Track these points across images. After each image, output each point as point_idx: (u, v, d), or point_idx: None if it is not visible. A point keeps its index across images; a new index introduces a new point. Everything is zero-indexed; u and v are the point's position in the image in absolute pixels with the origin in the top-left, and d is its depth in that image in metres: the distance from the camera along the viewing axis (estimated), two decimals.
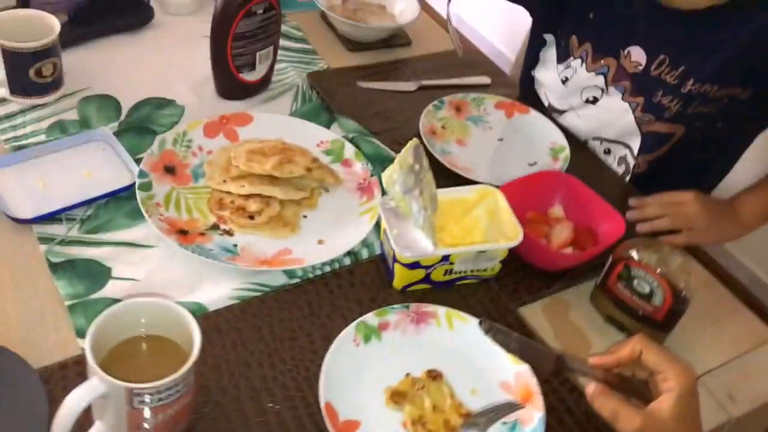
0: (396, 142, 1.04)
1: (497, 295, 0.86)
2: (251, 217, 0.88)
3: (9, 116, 0.98)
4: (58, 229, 0.84)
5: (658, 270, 0.81)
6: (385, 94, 1.16)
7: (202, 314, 0.78)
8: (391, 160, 0.86)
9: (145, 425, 0.62)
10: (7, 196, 0.85)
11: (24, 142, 0.94)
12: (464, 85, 1.21)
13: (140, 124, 1.00)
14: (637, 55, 1.05)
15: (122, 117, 1.01)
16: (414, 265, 0.82)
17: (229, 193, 0.90)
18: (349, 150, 0.99)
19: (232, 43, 1.02)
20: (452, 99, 1.14)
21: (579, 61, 1.12)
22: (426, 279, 0.84)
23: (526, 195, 0.94)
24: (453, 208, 0.86)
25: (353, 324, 0.77)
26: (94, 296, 0.77)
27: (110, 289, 0.78)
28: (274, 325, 0.78)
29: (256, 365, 0.74)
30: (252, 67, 1.06)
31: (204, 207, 0.89)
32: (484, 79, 1.23)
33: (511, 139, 1.12)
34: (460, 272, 0.85)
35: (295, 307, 0.81)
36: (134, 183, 0.87)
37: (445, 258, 0.82)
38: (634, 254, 0.82)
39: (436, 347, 0.79)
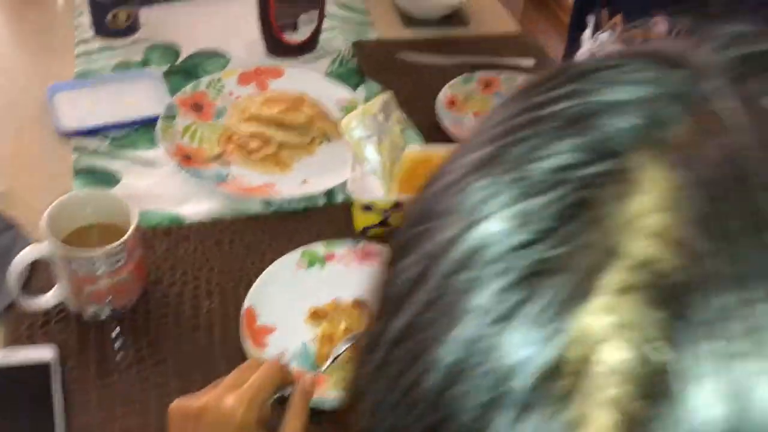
0: (416, 110, 1.11)
1: None
2: (250, 154, 0.99)
3: (88, 52, 1.16)
4: (91, 144, 1.00)
5: None
6: (424, 69, 1.22)
7: (177, 225, 0.90)
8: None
9: (87, 288, 0.75)
10: (60, 112, 1.02)
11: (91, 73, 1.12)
12: (506, 65, 1.24)
13: (189, 70, 1.15)
14: (663, 25, 1.03)
15: (176, 62, 1.16)
16: (368, 208, 0.88)
17: (238, 132, 1.02)
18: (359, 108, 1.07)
19: (275, 4, 1.13)
20: (484, 75, 1.18)
21: (606, 34, 1.11)
22: (384, 224, 0.90)
23: None
24: (419, 162, 0.92)
25: (300, 249, 0.86)
26: None
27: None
28: (236, 242, 0.89)
29: (206, 272, 0.85)
30: (294, 28, 1.17)
31: (214, 140, 1.02)
32: (527, 61, 1.26)
33: None
34: None
35: (261, 233, 0.91)
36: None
37: (398, 205, 0.88)
38: None
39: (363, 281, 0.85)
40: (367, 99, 1.10)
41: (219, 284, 0.84)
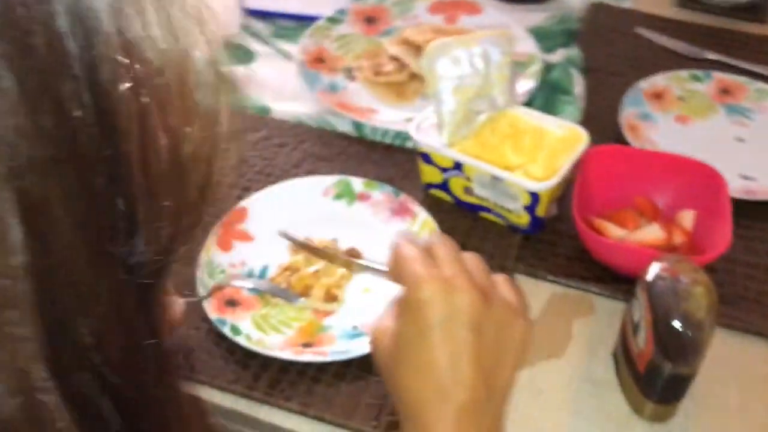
0: (602, 84, 0.89)
1: (511, 251, 0.70)
2: (377, 75, 0.89)
3: None
4: (258, 25, 1.00)
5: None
6: (652, 50, 0.96)
7: (260, 114, 0.85)
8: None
9: None
10: None
11: None
12: (758, 73, 0.91)
13: None
14: None
15: None
16: (427, 159, 0.73)
17: (383, 50, 0.92)
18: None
19: None
20: (725, 78, 0.89)
21: None
22: (445, 187, 0.74)
23: (649, 175, 0.71)
24: (525, 131, 0.72)
25: (337, 177, 0.75)
26: None
27: None
28: (298, 150, 0.81)
29: (257, 166, 0.79)
30: None
31: (359, 54, 0.94)
32: None
33: (757, 146, 0.82)
34: (481, 198, 0.72)
35: (328, 150, 0.81)
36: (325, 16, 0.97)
37: (458, 167, 0.70)
38: (652, 268, 0.57)
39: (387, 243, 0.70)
40: (559, 68, 0.90)
41: (251, 179, 0.78)
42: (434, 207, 0.74)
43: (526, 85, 0.86)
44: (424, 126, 0.73)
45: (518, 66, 0.90)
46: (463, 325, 0.45)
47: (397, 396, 0.46)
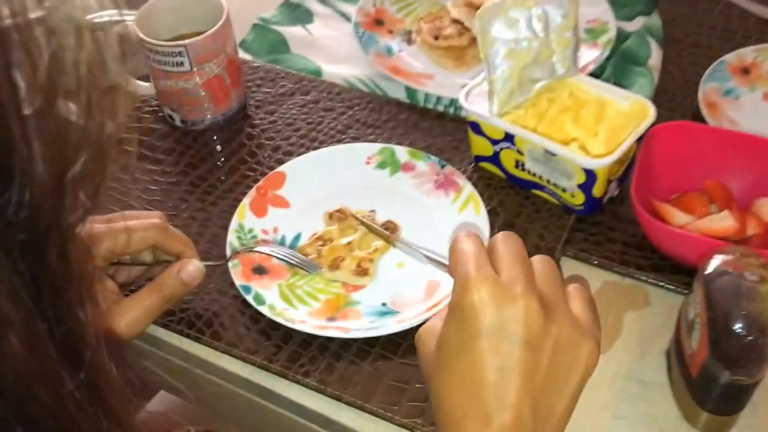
0: (682, 56, 0.81)
1: (562, 233, 0.65)
2: (437, 39, 0.84)
3: None
4: None
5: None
6: (743, 19, 0.87)
7: (313, 76, 0.82)
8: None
9: (174, 83, 0.73)
10: None
11: None
12: None
13: None
14: None
15: None
16: (476, 129, 0.68)
17: (445, 12, 0.87)
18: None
19: None
20: None
21: None
22: (496, 161, 0.68)
23: (724, 157, 0.64)
24: (586, 102, 0.66)
25: (381, 145, 0.71)
26: None
27: None
28: (347, 116, 0.77)
29: (306, 125, 0.76)
30: None
31: (421, 16, 0.89)
32: None
33: None
34: (534, 174, 0.66)
35: (377, 115, 0.77)
36: None
37: (509, 139, 0.65)
38: (714, 260, 0.51)
39: (428, 217, 0.66)
40: (635, 36, 0.83)
41: (305, 144, 0.74)
42: (483, 182, 0.69)
43: (595, 53, 0.79)
44: (475, 93, 0.68)
45: (589, 33, 0.83)
46: (515, 338, 0.40)
47: (436, 404, 0.42)
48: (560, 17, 0.65)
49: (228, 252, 0.63)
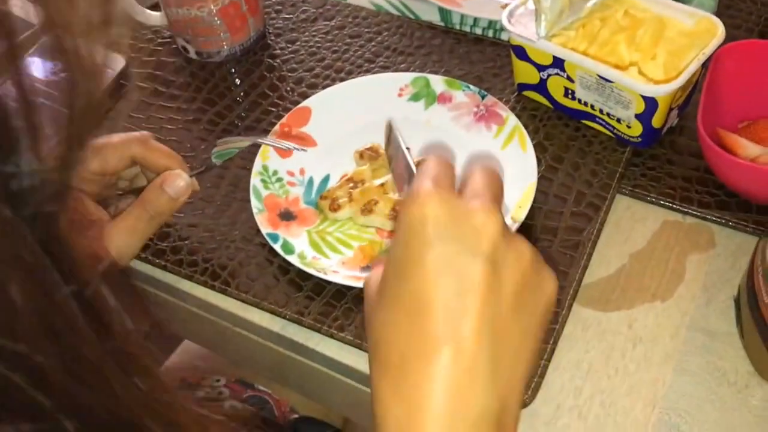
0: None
1: (617, 168, 0.59)
2: None
3: None
4: None
5: None
6: None
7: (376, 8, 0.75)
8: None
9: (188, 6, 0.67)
10: None
11: None
12: None
13: None
14: None
15: None
16: (521, 54, 0.61)
17: None
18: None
19: None
20: None
21: None
22: (543, 89, 0.62)
23: None
24: (643, 21, 0.59)
25: (414, 74, 0.65)
26: None
27: None
28: (375, 42, 0.71)
29: (331, 54, 0.70)
30: None
31: None
32: None
33: None
34: (585, 103, 0.60)
35: (408, 40, 0.70)
36: None
37: (558, 64, 0.58)
38: None
39: (468, 154, 0.61)
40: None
41: (330, 75, 0.68)
42: (527, 113, 0.63)
43: None
44: (519, 14, 0.61)
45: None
46: (477, 252, 0.31)
47: (372, 349, 0.33)
48: None
49: (253, 199, 0.58)
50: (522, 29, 0.59)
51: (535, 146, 0.59)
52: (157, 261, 0.57)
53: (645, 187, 0.58)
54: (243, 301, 0.55)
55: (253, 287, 0.55)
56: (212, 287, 0.56)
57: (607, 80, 0.56)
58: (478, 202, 0.33)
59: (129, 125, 0.66)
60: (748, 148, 0.56)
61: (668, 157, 0.59)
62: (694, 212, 0.56)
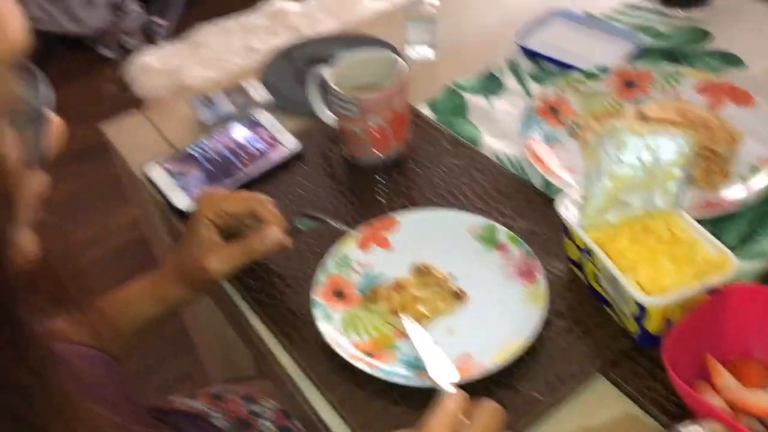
0: None
1: (611, 355, 0.66)
2: None
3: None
4: (526, 64, 1.04)
5: None
6: None
7: (471, 144, 0.91)
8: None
9: (349, 126, 0.88)
10: (538, 31, 1.08)
11: None
12: None
13: (676, 53, 1.01)
14: None
15: (700, 46, 1.03)
16: (567, 233, 0.72)
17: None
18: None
19: None
20: None
21: None
22: (580, 268, 0.72)
23: None
24: (679, 240, 0.67)
25: (486, 221, 0.78)
26: None
27: None
28: (476, 183, 0.85)
29: (437, 183, 0.86)
30: None
31: (597, 113, 0.92)
32: None
33: None
34: (606, 292, 0.69)
35: (506, 189, 0.83)
36: None
37: (588, 251, 0.68)
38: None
39: (498, 298, 0.72)
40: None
41: (432, 199, 0.85)
42: (568, 282, 0.73)
43: (742, 193, 0.77)
44: (575, 199, 0.72)
45: (752, 171, 0.80)
46: None
47: None
48: (673, 153, 0.67)
49: (319, 274, 0.75)
50: (571, 213, 0.70)
51: (554, 312, 0.69)
52: (236, 282, 0.77)
53: (626, 379, 0.65)
54: (284, 346, 0.72)
55: (291, 337, 0.72)
56: (273, 333, 0.74)
57: (614, 278, 0.65)
58: None
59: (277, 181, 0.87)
60: (725, 379, 0.61)
61: (660, 363, 0.66)
62: (656, 416, 0.62)
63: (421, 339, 0.68)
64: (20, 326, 0.39)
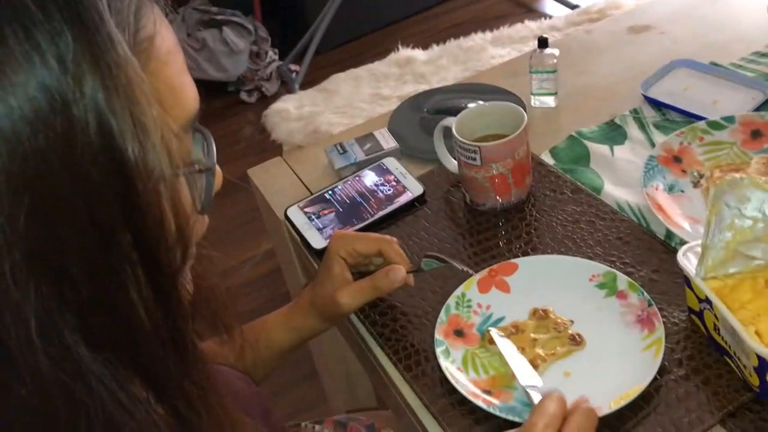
0: None
1: (730, 407, 0.66)
2: None
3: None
4: (650, 113, 1.05)
5: None
6: None
7: (592, 192, 0.93)
8: None
9: (470, 173, 0.92)
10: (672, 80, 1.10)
11: None
12: None
13: None
14: None
15: None
16: (687, 283, 0.72)
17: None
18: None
19: None
20: None
21: None
22: (701, 316, 0.72)
23: None
24: None
25: (607, 268, 0.80)
26: None
27: None
28: (596, 231, 0.87)
29: (557, 229, 0.89)
30: None
31: (721, 163, 0.92)
32: None
33: None
34: (726, 343, 0.69)
35: (624, 237, 0.85)
36: None
37: (708, 302, 0.69)
38: None
39: (614, 344, 0.74)
40: None
41: (550, 244, 0.88)
42: (688, 332, 0.74)
43: None
44: (696, 250, 0.72)
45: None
46: None
47: None
48: None
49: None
50: (691, 263, 0.71)
51: (674, 360, 0.70)
52: (362, 315, 0.83)
53: (744, 430, 0.65)
54: (406, 380, 0.77)
55: (415, 371, 0.77)
56: (397, 365, 0.79)
57: (735, 331, 0.65)
58: None
59: (402, 224, 0.93)
60: None
61: None
62: None
63: (510, 350, 0.73)
64: (188, 347, 0.46)
